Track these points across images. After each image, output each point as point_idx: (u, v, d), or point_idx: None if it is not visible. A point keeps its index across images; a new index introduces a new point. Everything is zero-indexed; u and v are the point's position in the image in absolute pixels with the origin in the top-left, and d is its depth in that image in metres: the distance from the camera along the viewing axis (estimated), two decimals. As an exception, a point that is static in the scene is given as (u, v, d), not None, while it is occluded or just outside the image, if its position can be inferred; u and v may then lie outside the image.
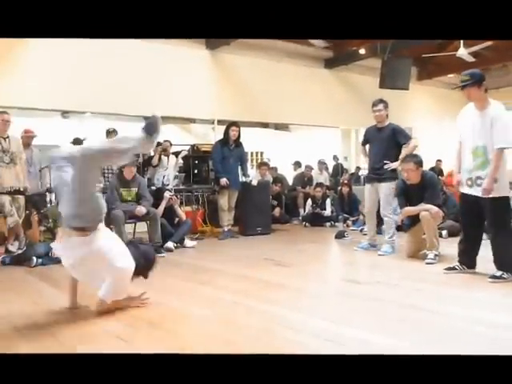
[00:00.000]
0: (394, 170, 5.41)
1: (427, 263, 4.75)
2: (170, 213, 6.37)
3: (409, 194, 5.18)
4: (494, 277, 3.99)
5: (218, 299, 3.61)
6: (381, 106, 5.49)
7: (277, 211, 8.80)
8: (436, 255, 4.85)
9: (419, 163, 5.09)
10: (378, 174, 5.47)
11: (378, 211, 5.66)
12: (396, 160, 5.36)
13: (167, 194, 6.28)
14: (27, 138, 6.49)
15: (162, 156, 7.69)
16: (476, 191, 4.07)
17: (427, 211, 4.91)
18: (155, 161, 7.60)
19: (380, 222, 5.81)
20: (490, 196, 3.95)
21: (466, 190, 4.18)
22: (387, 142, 5.45)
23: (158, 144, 8.09)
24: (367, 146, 5.78)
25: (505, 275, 3.95)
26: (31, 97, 7.05)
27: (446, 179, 8.75)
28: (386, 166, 5.36)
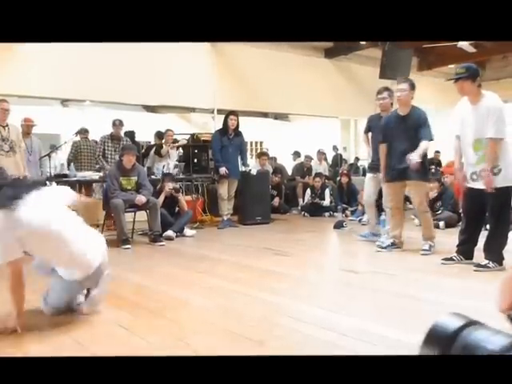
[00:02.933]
0: None
1: (422, 254, 4.75)
2: (170, 202, 6.41)
3: (391, 130, 4.89)
4: (479, 265, 4.05)
5: (217, 288, 3.63)
6: (385, 94, 5.48)
7: (276, 201, 8.83)
8: (431, 246, 4.83)
9: (413, 86, 4.79)
10: (379, 164, 5.38)
11: (377, 201, 5.68)
12: None
13: (167, 188, 6.32)
14: (27, 127, 6.48)
15: (170, 149, 7.74)
16: (482, 184, 4.06)
17: (420, 205, 4.81)
18: (164, 151, 7.62)
19: (378, 211, 5.82)
20: (496, 186, 3.95)
21: (471, 184, 4.17)
22: None
23: (160, 134, 8.12)
24: (369, 134, 5.76)
25: (490, 264, 4.01)
26: (30, 85, 7.02)
27: (445, 169, 8.79)
28: None
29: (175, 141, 8.00)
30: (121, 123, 7.14)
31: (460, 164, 4.27)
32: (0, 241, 2.53)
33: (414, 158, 4.59)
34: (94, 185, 7.74)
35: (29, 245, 2.61)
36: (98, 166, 7.14)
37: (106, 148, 7.11)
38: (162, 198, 6.22)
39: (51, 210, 2.69)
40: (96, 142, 7.93)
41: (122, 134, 7.28)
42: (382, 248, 4.98)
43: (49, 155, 6.88)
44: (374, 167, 5.57)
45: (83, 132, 8.26)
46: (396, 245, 4.97)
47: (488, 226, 4.34)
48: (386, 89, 5.55)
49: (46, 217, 2.61)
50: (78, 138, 8.11)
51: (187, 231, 6.39)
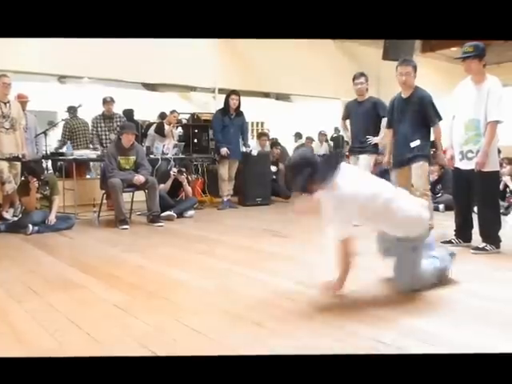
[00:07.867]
0: (376, 144, 5.54)
1: None
2: (174, 186, 6.38)
3: (395, 114, 4.77)
4: (476, 248, 4.06)
5: (216, 269, 3.60)
6: (362, 79, 5.62)
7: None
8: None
9: (415, 68, 4.65)
10: (360, 147, 5.59)
11: None
12: (377, 132, 5.50)
13: (171, 172, 6.31)
14: (21, 104, 6.34)
15: (173, 129, 7.66)
16: (466, 165, 4.09)
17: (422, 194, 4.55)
18: (168, 132, 7.52)
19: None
20: (481, 170, 3.96)
21: (457, 163, 4.20)
22: (368, 115, 5.55)
23: (164, 116, 8.01)
24: (347, 121, 5.88)
25: (487, 247, 4.03)
26: (27, 60, 6.89)
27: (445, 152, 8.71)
28: (368, 141, 5.49)
29: (179, 121, 7.92)
30: (112, 100, 7.02)
31: (452, 143, 4.27)
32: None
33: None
34: (91, 164, 7.67)
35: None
36: (92, 147, 7.04)
37: (100, 128, 7.01)
38: (168, 184, 6.28)
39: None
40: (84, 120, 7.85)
41: (114, 110, 7.15)
42: None
43: (45, 132, 6.78)
44: (353, 150, 5.75)
45: (71, 111, 8.13)
46: None
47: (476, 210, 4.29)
48: (362, 74, 5.68)
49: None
50: (67, 117, 8.00)
51: (187, 212, 6.34)
